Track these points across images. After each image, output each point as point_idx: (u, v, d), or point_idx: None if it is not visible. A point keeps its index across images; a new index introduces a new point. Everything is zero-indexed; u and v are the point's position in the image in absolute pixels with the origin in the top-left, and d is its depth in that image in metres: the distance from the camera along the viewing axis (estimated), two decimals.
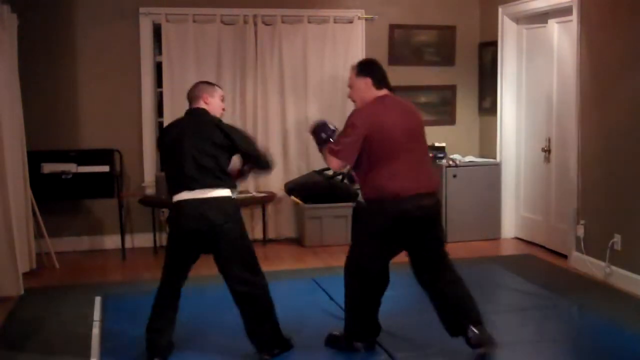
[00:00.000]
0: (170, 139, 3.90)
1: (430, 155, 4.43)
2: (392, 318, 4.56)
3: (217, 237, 3.79)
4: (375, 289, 4.01)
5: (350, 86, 3.97)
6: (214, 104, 3.98)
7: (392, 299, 4.62)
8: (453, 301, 3.96)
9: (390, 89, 3.96)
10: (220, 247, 3.84)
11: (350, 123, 3.84)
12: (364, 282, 3.96)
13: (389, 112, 3.82)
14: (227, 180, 3.85)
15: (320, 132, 3.97)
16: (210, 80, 6.59)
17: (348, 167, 3.97)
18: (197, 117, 3.93)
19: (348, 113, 7.34)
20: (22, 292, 5.13)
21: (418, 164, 3.86)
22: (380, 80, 3.90)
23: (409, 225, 3.80)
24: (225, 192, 3.82)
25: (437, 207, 3.95)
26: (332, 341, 4.13)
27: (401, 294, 4.99)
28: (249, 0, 6.77)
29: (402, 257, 5.42)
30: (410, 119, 3.91)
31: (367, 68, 3.94)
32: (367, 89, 3.89)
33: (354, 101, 4.01)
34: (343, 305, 4.77)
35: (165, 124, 6.63)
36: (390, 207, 3.75)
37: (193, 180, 3.77)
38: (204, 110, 3.95)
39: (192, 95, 3.99)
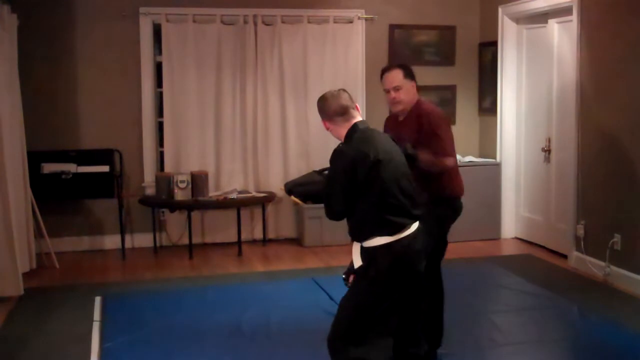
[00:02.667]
0: (379, 163, 3.02)
1: None
2: None
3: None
4: None
5: (399, 87, 3.93)
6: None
7: None
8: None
9: None
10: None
11: (444, 122, 4.00)
12: None
13: None
14: None
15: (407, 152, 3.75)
16: (210, 80, 6.70)
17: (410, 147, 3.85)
18: (380, 133, 3.27)
19: None
20: (22, 292, 5.13)
21: None
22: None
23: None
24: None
25: None
26: None
27: None
28: (249, 0, 6.77)
29: None
30: None
31: (412, 72, 4.01)
32: (415, 92, 3.99)
33: (398, 102, 3.97)
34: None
35: (166, 124, 6.68)
36: (460, 205, 4.11)
37: (416, 208, 3.12)
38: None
39: (346, 105, 3.19)
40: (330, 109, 3.18)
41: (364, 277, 3.09)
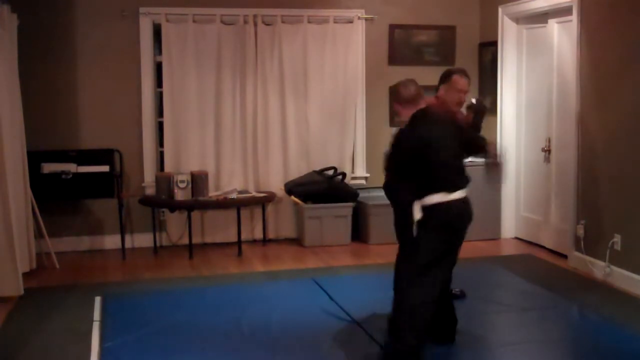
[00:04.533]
0: (436, 138, 3.78)
1: None
2: None
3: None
4: None
5: (467, 92, 4.48)
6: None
7: (390, 301, 4.62)
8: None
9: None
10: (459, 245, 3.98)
11: None
12: None
13: None
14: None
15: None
16: (210, 80, 6.70)
17: None
18: (438, 120, 3.93)
19: (348, 113, 7.44)
20: (22, 292, 5.12)
21: None
22: None
23: None
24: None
25: None
26: None
27: None
28: (249, 0, 6.77)
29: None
30: None
31: None
32: None
33: (462, 104, 4.56)
34: (343, 305, 4.82)
35: (166, 124, 6.68)
36: None
37: (465, 180, 3.86)
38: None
39: (414, 94, 3.91)
40: (401, 95, 3.91)
41: (423, 228, 3.73)
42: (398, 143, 3.89)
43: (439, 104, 4.52)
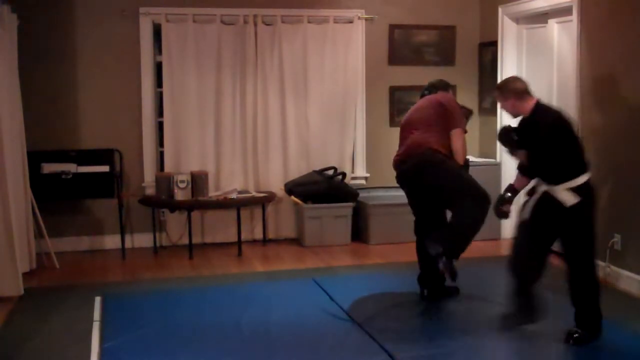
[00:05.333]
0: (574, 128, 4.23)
1: None
2: (393, 317, 4.56)
3: None
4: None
5: None
6: None
7: (392, 298, 4.62)
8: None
9: (437, 91, 5.06)
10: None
11: None
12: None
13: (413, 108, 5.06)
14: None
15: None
16: (210, 80, 6.70)
17: None
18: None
19: (348, 113, 7.47)
20: (22, 292, 5.13)
21: (406, 140, 4.86)
22: (426, 88, 5.14)
23: (402, 181, 4.94)
24: None
25: (410, 170, 4.77)
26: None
27: (402, 293, 5.00)
28: (249, 0, 6.77)
29: (401, 258, 5.47)
30: (417, 112, 4.92)
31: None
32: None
33: None
34: (343, 305, 4.81)
35: (166, 124, 6.69)
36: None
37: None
38: None
39: (526, 87, 4.30)
40: (520, 89, 4.26)
41: (586, 206, 4.12)
42: (559, 129, 4.12)
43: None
